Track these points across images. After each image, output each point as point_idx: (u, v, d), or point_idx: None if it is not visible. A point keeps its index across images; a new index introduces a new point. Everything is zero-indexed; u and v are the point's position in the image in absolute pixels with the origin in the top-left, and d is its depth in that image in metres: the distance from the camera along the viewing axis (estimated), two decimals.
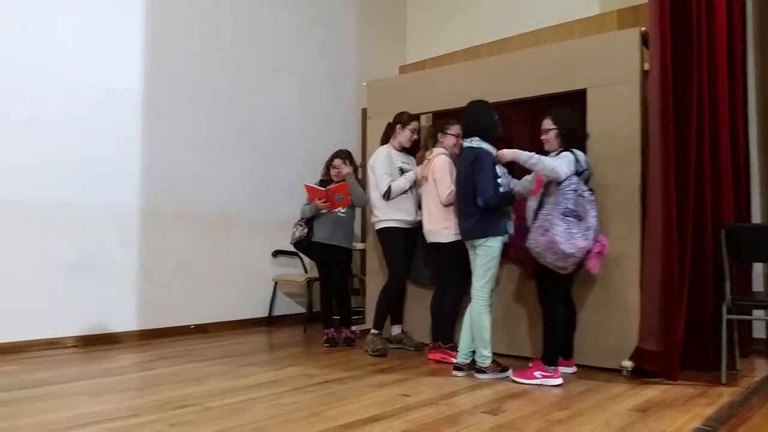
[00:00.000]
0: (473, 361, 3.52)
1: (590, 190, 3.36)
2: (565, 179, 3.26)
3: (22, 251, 4.01)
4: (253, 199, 5.38)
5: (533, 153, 3.37)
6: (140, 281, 4.64)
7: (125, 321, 4.55)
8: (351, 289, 5.07)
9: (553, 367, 3.34)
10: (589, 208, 3.28)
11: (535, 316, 3.94)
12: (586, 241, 3.22)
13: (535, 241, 3.25)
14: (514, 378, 3.36)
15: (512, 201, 3.58)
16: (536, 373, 3.33)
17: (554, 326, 3.41)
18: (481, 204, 3.41)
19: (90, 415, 2.65)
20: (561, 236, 3.16)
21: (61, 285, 4.21)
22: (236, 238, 5.26)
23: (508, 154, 3.44)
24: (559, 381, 3.31)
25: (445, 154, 3.93)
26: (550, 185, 3.35)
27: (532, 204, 3.47)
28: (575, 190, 3.25)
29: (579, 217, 3.24)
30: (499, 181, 3.44)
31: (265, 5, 5.52)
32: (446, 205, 3.84)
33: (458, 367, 3.55)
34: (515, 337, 3.99)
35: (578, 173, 3.33)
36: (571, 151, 3.40)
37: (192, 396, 3.00)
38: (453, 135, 3.95)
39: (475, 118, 3.57)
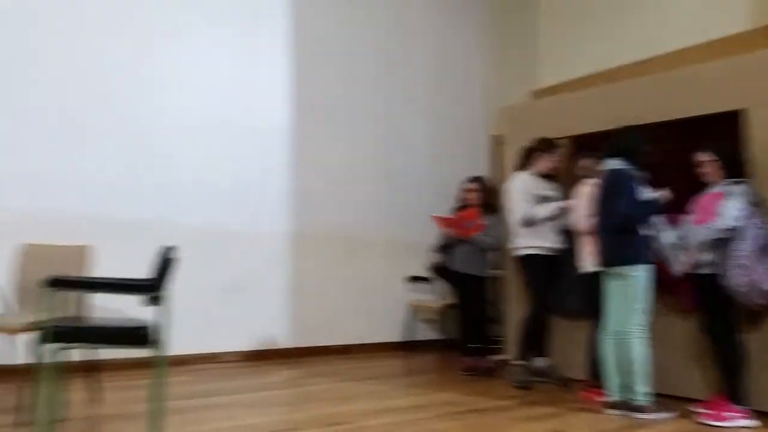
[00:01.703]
0: (627, 399, 3.30)
1: None
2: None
3: (188, 271, 4.39)
4: (389, 224, 5.52)
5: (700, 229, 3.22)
6: (289, 302, 4.92)
7: (277, 339, 4.83)
8: (489, 317, 5.00)
9: (744, 406, 3.10)
10: None
11: (690, 351, 3.64)
12: None
13: (738, 281, 3.06)
14: (705, 421, 3.10)
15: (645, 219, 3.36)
16: (727, 414, 3.08)
17: (737, 358, 3.16)
18: (614, 225, 3.28)
19: (252, 427, 2.83)
20: (763, 275, 3.00)
21: (221, 304, 4.56)
22: (374, 263, 5.42)
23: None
24: (753, 423, 3.06)
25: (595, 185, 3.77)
26: None
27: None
28: (764, 224, 3.09)
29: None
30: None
31: (399, 35, 5.72)
32: (585, 234, 3.70)
33: (612, 405, 3.35)
34: (667, 374, 3.69)
35: (755, 204, 3.13)
36: (741, 183, 3.18)
37: (344, 414, 3.10)
38: None
39: (621, 140, 3.47)
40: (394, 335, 5.47)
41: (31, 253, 3.44)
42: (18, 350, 3.64)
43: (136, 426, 2.76)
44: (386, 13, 5.66)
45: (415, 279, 5.53)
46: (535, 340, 4.21)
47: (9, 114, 3.92)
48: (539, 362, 4.28)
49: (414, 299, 5.52)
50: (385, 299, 5.45)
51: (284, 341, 4.87)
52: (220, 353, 4.54)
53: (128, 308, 3.84)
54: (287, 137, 5.01)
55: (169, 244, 2.74)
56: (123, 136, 4.29)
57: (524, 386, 3.93)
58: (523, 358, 4.07)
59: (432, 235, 4.74)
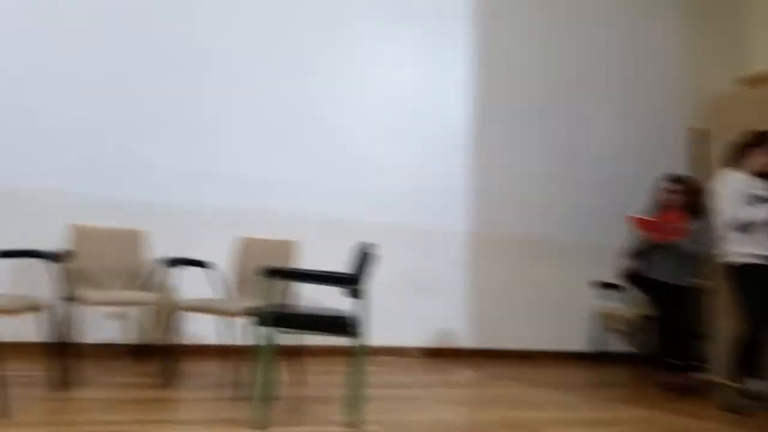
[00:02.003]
0: None
1: None
2: None
3: (377, 267, 4.63)
4: (573, 226, 5.30)
5: None
6: (470, 303, 4.94)
7: (458, 338, 4.88)
8: (693, 331, 4.55)
9: None
10: None
11: None
12: None
13: None
14: None
15: None
16: None
17: None
18: None
19: (443, 423, 2.88)
20: None
21: (406, 299, 4.73)
22: (557, 266, 5.23)
23: None
24: None
25: None
26: None
27: None
28: None
29: None
30: None
31: (582, 27, 5.45)
32: None
33: None
34: None
35: None
36: None
37: (531, 420, 3.02)
38: None
39: None
40: (578, 344, 5.22)
41: (246, 246, 3.85)
42: (236, 332, 4.10)
43: (334, 409, 2.95)
44: (568, 6, 5.44)
45: (604, 285, 5.23)
46: (750, 360, 3.75)
47: (220, 123, 4.43)
48: (756, 385, 3.81)
49: (602, 307, 5.21)
50: (570, 305, 5.23)
51: (463, 341, 4.90)
52: (402, 347, 4.70)
53: (324, 298, 4.14)
54: (469, 139, 5.05)
55: (364, 241, 2.89)
56: (322, 140, 4.64)
57: (736, 410, 3.52)
58: (736, 379, 3.65)
59: (621, 238, 4.45)
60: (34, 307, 2.90)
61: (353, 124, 4.74)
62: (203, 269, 3.84)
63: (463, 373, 4.26)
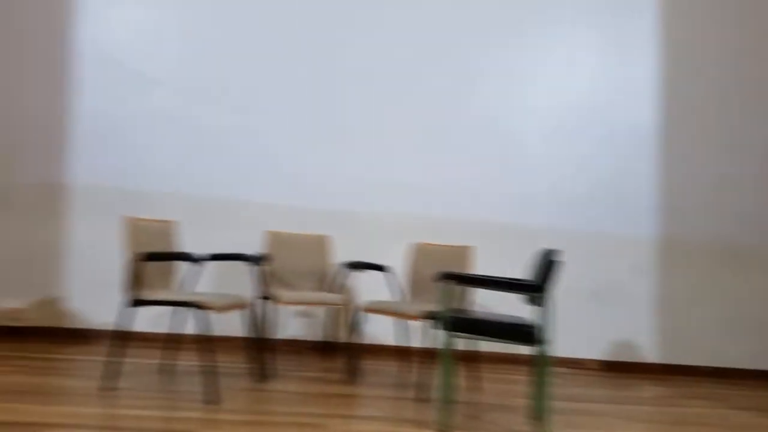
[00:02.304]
0: None
1: None
2: None
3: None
4: None
5: None
6: (655, 314, 4.59)
7: (642, 351, 4.56)
8: None
9: None
10: None
11: None
12: None
13: None
14: None
15: None
16: None
17: None
18: None
19: None
20: None
21: (584, 309, 4.52)
22: (760, 276, 4.66)
23: None
24: None
25: None
26: None
27: None
28: None
29: None
30: None
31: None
32: None
33: None
34: None
35: None
36: None
37: None
38: None
39: None
40: None
41: (420, 251, 3.96)
42: (411, 334, 4.24)
43: (516, 418, 2.91)
44: None
45: None
46: None
47: (394, 132, 4.57)
48: None
49: None
50: None
51: (647, 355, 4.56)
52: (581, 359, 4.50)
53: (495, 304, 4.13)
54: (654, 138, 4.69)
55: (546, 247, 2.83)
56: (496, 145, 4.60)
57: None
58: None
59: None
60: (240, 305, 3.24)
61: (528, 127, 4.65)
62: (381, 273, 4.02)
63: (648, 390, 3.98)
